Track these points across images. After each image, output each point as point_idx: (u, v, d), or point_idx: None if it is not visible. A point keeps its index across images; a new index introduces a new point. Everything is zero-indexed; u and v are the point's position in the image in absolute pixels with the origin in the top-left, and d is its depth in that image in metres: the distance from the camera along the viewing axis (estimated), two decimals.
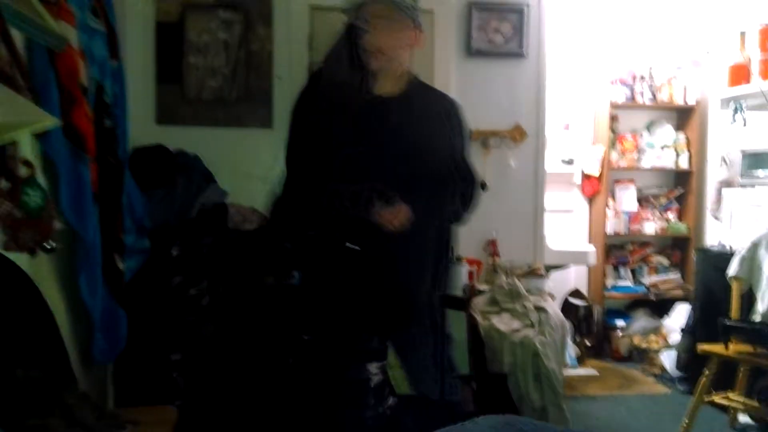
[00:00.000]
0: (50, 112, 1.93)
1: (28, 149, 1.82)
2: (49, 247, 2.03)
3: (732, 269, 3.50)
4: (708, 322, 3.75)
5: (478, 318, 3.48)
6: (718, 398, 3.37)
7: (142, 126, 3.29)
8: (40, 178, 1.83)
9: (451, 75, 3.99)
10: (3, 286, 1.73)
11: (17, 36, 1.84)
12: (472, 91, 4.01)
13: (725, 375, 3.39)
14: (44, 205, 1.79)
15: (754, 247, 3.45)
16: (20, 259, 1.88)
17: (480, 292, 3.72)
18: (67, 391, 1.76)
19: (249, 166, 3.58)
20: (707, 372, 3.31)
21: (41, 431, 1.51)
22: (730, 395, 3.35)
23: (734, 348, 3.26)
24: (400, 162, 2.25)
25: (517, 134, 4.04)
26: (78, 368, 2.20)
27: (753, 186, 4.10)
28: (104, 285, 2.36)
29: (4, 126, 1.56)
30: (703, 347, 3.36)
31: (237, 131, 3.64)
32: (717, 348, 3.29)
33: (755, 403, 3.23)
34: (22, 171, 1.74)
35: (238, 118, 3.63)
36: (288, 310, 2.89)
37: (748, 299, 3.50)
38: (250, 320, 2.74)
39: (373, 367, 2.86)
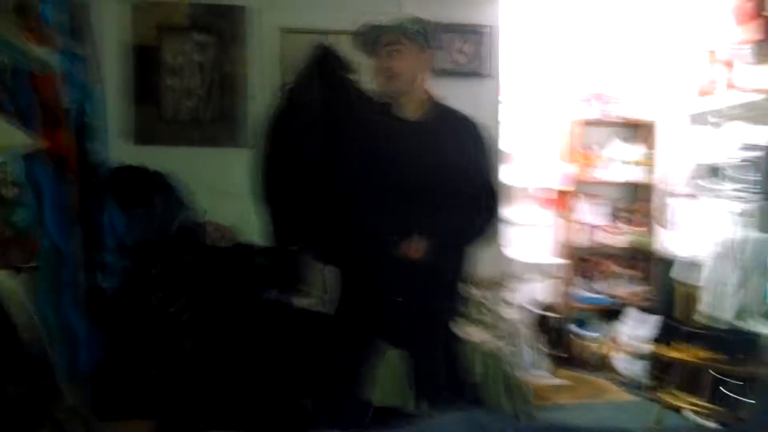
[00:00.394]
0: (34, 135, 2.00)
1: (16, 171, 1.87)
2: (33, 265, 2.08)
3: (680, 274, 3.63)
4: (671, 329, 3.89)
5: None
6: (683, 403, 3.49)
7: (120, 146, 3.34)
8: (28, 199, 1.88)
9: None
10: None
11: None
12: None
13: (690, 380, 3.51)
14: (32, 224, 1.84)
15: (704, 253, 3.60)
16: (4, 277, 1.93)
17: None
18: (56, 406, 1.80)
19: (225, 184, 3.65)
20: (671, 378, 3.44)
21: None
22: (695, 400, 3.47)
23: (697, 354, 3.39)
24: (417, 183, 2.29)
25: None
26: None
27: (711, 196, 4.26)
28: (86, 303, 2.41)
29: None
30: (664, 352, 3.49)
31: (213, 150, 3.70)
32: (679, 353, 3.42)
33: (719, 407, 3.36)
34: (11, 192, 1.79)
35: (214, 138, 3.70)
36: (267, 324, 2.96)
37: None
38: (230, 335, 2.79)
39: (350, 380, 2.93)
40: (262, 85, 3.88)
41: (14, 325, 1.88)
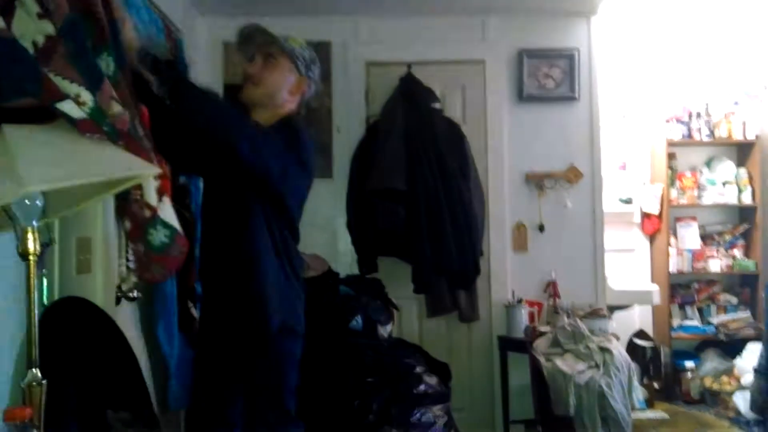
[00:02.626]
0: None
1: (150, 193, 1.96)
2: (133, 296, 2.18)
3: None
4: None
5: (541, 360, 3.48)
6: None
7: None
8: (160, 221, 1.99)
9: (503, 120, 4.08)
10: (94, 333, 1.86)
11: None
12: (526, 134, 4.09)
13: None
14: (170, 243, 1.95)
15: None
16: (107, 308, 2.03)
17: (542, 334, 3.72)
18: None
19: (311, 215, 3.71)
20: None
21: None
22: None
23: None
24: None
25: (572, 175, 4.07)
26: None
27: None
28: (180, 332, 2.50)
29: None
30: None
31: None
32: None
33: None
34: (146, 213, 1.91)
35: None
36: (352, 353, 2.97)
37: None
38: (317, 363, 2.82)
39: (437, 410, 2.91)
40: (348, 117, 3.97)
41: (115, 354, 1.98)
